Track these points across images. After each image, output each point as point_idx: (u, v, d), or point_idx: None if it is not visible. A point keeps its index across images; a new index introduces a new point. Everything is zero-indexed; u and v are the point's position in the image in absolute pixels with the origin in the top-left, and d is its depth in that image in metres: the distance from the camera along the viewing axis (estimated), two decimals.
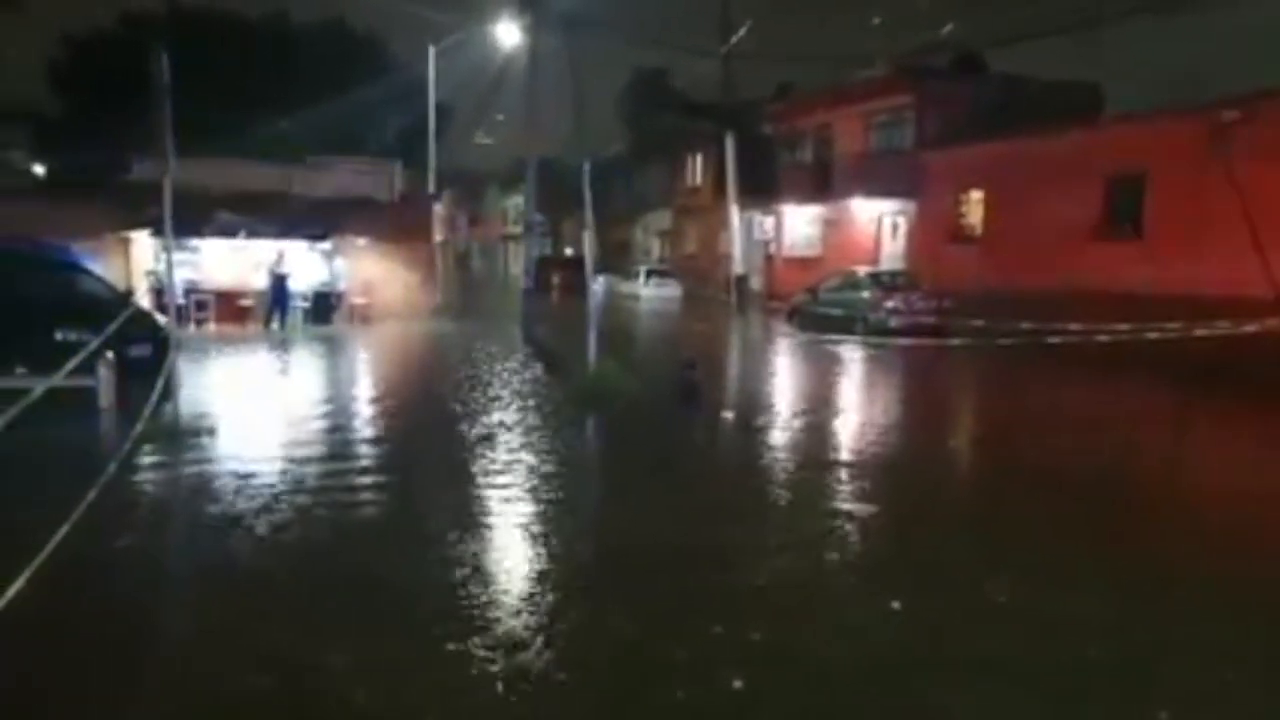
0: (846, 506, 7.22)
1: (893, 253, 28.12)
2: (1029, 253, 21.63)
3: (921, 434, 10.90)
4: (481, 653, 4.39)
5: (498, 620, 4.77)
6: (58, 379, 7.94)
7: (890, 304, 20.48)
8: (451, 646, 4.48)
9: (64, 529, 5.11)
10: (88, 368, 10.15)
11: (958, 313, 18.48)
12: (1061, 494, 7.79)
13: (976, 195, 25.07)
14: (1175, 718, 3.92)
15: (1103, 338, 14.03)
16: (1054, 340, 14.47)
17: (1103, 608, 5.12)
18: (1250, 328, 12.44)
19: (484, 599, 5.07)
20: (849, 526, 6.70)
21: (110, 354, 10.54)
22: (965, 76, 28.10)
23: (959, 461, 9.80)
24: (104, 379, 10.51)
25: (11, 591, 4.17)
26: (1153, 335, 13.43)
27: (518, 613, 4.88)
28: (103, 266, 18.73)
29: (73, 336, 10.50)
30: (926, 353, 16.97)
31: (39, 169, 34.64)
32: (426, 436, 10.00)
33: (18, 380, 9.00)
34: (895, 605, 5.10)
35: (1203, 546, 6.44)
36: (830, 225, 31.20)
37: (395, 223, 24.68)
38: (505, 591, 5.20)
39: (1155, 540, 6.60)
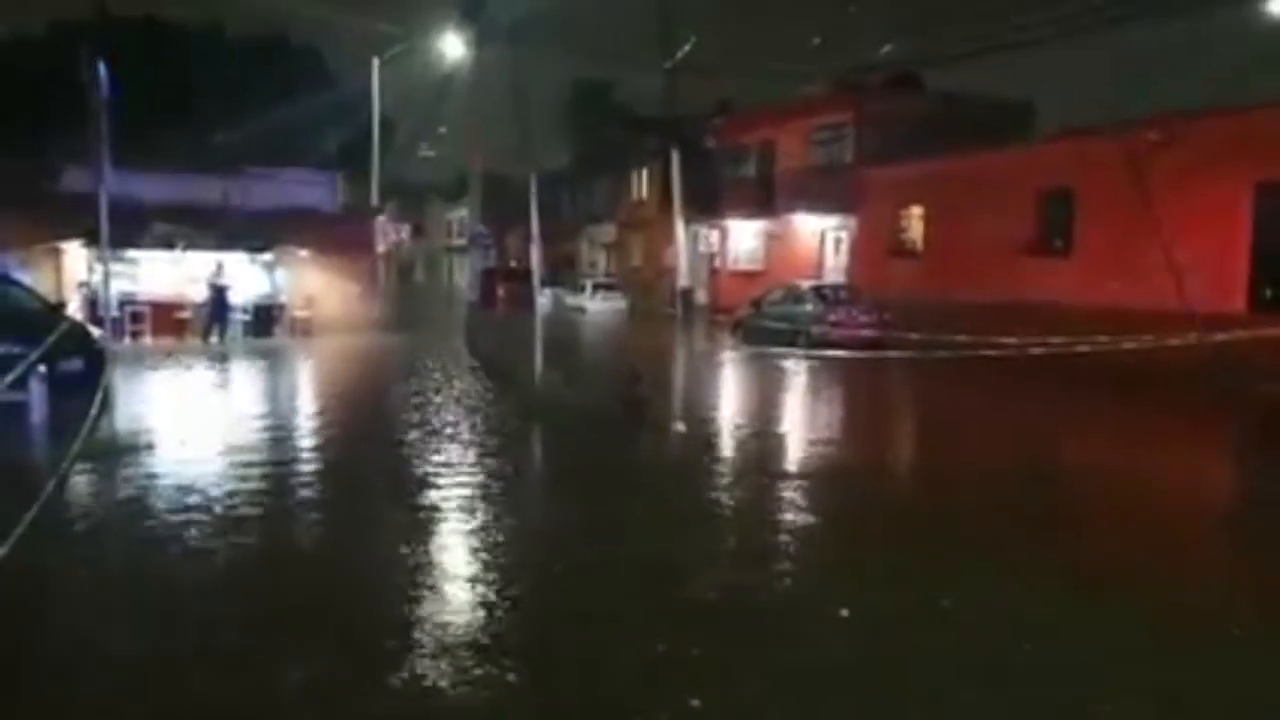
0: (791, 516, 7.35)
1: (835, 266, 28.59)
2: (966, 267, 22.16)
3: (862, 445, 11.12)
4: (420, 678, 4.29)
5: (436, 644, 4.65)
6: None
7: (832, 317, 20.80)
8: (392, 670, 4.44)
9: (2, 549, 4.99)
10: (18, 383, 9.90)
11: (898, 326, 18.86)
12: (994, 500, 8.01)
13: (916, 210, 25.64)
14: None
15: (1036, 350, 14.44)
16: (989, 353, 14.86)
17: (1039, 606, 5.28)
18: (1174, 341, 12.91)
19: (423, 620, 4.96)
20: (795, 536, 6.81)
21: (42, 368, 10.27)
22: (903, 94, 28.71)
23: (897, 471, 10.03)
24: (36, 394, 10.24)
25: None
26: (1083, 349, 13.86)
27: (459, 637, 4.77)
28: (32, 278, 18.26)
29: (3, 350, 10.22)
30: (867, 365, 17.28)
31: None
32: (368, 452, 9.91)
33: None
34: (844, 613, 5.20)
35: (1125, 548, 6.68)
36: (774, 239, 31.61)
37: (337, 235, 24.40)
38: (446, 612, 5.11)
39: (1084, 541, 6.82)
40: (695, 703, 4.06)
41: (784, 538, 6.77)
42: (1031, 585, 5.69)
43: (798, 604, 5.49)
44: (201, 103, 30.22)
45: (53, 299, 15.10)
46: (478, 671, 4.32)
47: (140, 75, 24.75)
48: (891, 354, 17.27)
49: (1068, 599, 5.48)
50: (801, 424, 12.68)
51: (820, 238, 29.43)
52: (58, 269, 21.25)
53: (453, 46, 26.02)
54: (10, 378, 7.74)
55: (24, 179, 23.24)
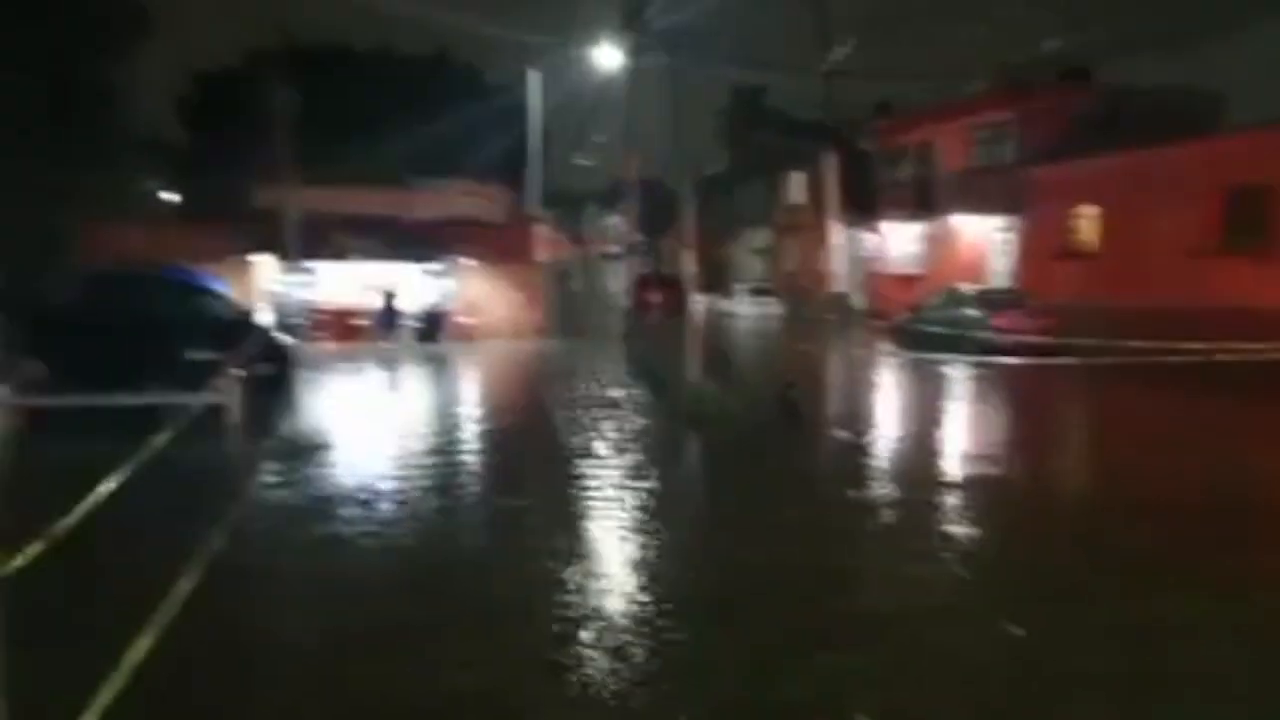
0: (956, 529, 7.11)
1: (999, 269, 27.43)
2: (1144, 268, 20.85)
3: (1029, 456, 10.61)
4: (586, 684, 4.38)
5: (602, 648, 4.75)
6: (200, 397, 8.39)
7: (997, 322, 19.95)
8: (563, 673, 4.57)
9: (210, 536, 5.43)
10: (219, 385, 10.75)
11: (1068, 331, 17.89)
12: (1179, 520, 7.50)
13: (1087, 210, 24.29)
14: None
15: (1223, 357, 13.40)
16: (1170, 360, 13.89)
17: (1231, 632, 4.93)
18: None
19: (589, 624, 5.07)
20: (960, 549, 6.60)
21: (238, 372, 11.10)
22: (1071, 89, 27.26)
23: (1067, 484, 9.51)
24: (233, 396, 11.06)
25: (181, 592, 4.47)
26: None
27: (624, 643, 4.86)
28: (228, 288, 19.79)
29: (202, 355, 11.10)
30: (1034, 372, 16.49)
31: (172, 197, 36.77)
32: (532, 454, 10.23)
33: (152, 398, 9.58)
34: (1016, 631, 5.00)
35: None
36: (933, 242, 30.63)
37: (500, 244, 25.30)
38: (612, 616, 5.21)
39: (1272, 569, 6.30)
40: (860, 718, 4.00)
41: (949, 551, 6.56)
42: (1211, 606, 5.31)
43: (965, 619, 5.31)
44: (374, 120, 31.94)
45: (245, 307, 16.32)
46: (641, 684, 4.38)
47: (321, 98, 26.45)
48: (1061, 360, 16.40)
49: (1245, 622, 5.08)
50: (965, 433, 12.23)
51: (983, 240, 28.31)
52: (249, 279, 22.92)
53: (609, 56, 26.54)
54: (214, 380, 8.39)
55: (222, 197, 25.31)
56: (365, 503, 7.61)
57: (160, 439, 4.75)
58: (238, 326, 12.81)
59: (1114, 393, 15.03)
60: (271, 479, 8.42)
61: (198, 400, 9.55)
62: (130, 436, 5.63)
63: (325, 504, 7.67)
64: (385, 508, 7.47)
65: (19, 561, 2.99)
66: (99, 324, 12.49)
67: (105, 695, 3.34)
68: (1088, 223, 24.41)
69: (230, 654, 4.65)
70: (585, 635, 4.85)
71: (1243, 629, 5.07)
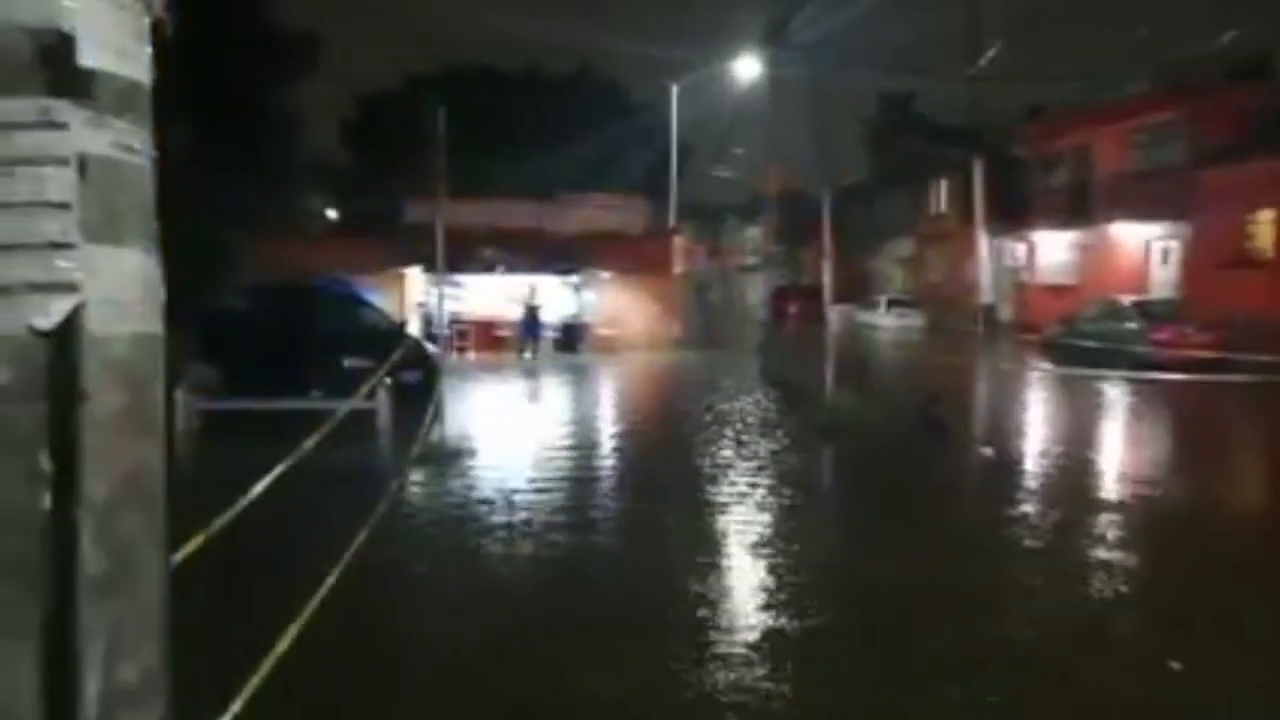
0: (1106, 554, 6.75)
1: (1162, 280, 25.85)
2: None
3: (1189, 480, 9.89)
4: (711, 698, 4.36)
5: (731, 664, 4.70)
6: (355, 403, 8.84)
7: (1159, 335, 18.77)
8: (689, 687, 4.59)
9: (361, 537, 5.73)
10: (370, 392, 11.33)
11: (1240, 345, 16.66)
12: None
13: (1266, 215, 22.60)
14: None
15: None
16: None
17: None
18: None
19: (721, 639, 5.03)
20: (1111, 576, 6.26)
21: (389, 380, 11.66)
22: (1247, 85, 25.43)
23: (1230, 511, 8.85)
24: (383, 403, 11.64)
25: (324, 590, 4.73)
26: None
27: (754, 660, 4.79)
28: (381, 299, 20.82)
29: (358, 364, 11.71)
30: (1202, 390, 15.45)
31: (333, 214, 39.01)
32: (668, 464, 10.32)
33: (313, 403, 10.18)
34: (1174, 665, 4.72)
35: None
36: (1088, 251, 29.16)
37: (639, 256, 25.63)
38: (744, 633, 5.14)
39: None
40: None
41: (1099, 577, 6.23)
42: None
43: (1110, 650, 5.04)
44: (520, 137, 32.96)
45: (397, 318, 17.11)
46: (768, 705, 4.34)
47: (470, 117, 27.50)
48: (1232, 378, 15.29)
49: None
50: (1120, 454, 11.60)
51: (1144, 249, 26.74)
52: (401, 291, 24.00)
53: (750, 68, 26.55)
54: (368, 386, 8.83)
55: (377, 214, 26.65)
56: (506, 508, 7.86)
57: (311, 442, 5.03)
58: (389, 336, 13.45)
59: None
60: (418, 482, 8.80)
61: (353, 406, 10.11)
62: (293, 440, 6.00)
63: (467, 508, 7.97)
64: (525, 514, 7.69)
65: (177, 557, 3.24)
66: (265, 333, 13.37)
67: (248, 689, 3.57)
68: (1264, 229, 22.72)
69: (368, 651, 4.88)
70: (715, 650, 4.85)
71: None
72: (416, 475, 8.94)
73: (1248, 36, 24.96)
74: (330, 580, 4.54)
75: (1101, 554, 6.73)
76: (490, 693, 4.43)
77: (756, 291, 41.84)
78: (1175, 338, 18.52)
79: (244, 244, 20.80)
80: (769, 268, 29.51)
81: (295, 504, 6.63)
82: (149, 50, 1.14)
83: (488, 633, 5.19)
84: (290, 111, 26.43)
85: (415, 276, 23.61)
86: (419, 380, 12.63)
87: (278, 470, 4.79)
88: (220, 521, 3.52)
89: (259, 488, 4.46)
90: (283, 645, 3.73)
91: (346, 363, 12.46)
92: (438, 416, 10.47)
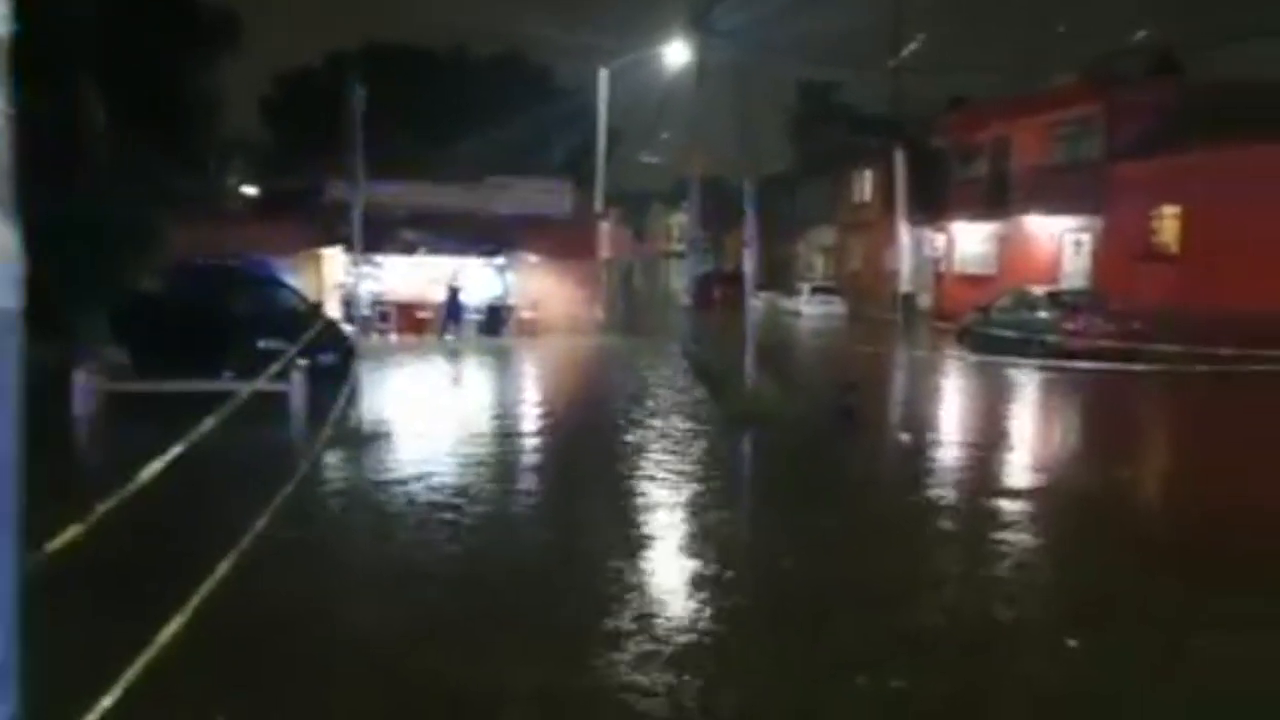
0: (1015, 538, 6.90)
1: (1075, 271, 26.68)
2: (1234, 271, 20.05)
3: (1097, 466, 10.19)
4: (625, 688, 4.28)
5: (642, 655, 4.62)
6: (262, 384, 8.57)
7: (1070, 325, 19.36)
8: (599, 672, 4.56)
9: (261, 521, 5.54)
10: (282, 374, 11.00)
11: (1148, 336, 17.28)
12: (1244, 532, 7.18)
13: (1171, 209, 23.48)
14: None
15: None
16: (1263, 368, 13.29)
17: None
18: None
19: (633, 629, 4.92)
20: (1019, 560, 6.41)
21: (302, 361, 11.36)
22: (1160, 82, 26.28)
23: (1136, 497, 9.16)
24: (298, 384, 11.33)
25: (220, 571, 4.55)
26: None
27: (661, 648, 4.72)
28: (298, 280, 20.28)
29: (273, 345, 11.39)
30: (1111, 379, 15.96)
31: (252, 193, 37.91)
32: (586, 449, 10.26)
33: (225, 384, 9.85)
34: (1071, 643, 4.85)
35: None
36: (1005, 242, 29.94)
37: (564, 240, 25.45)
38: (654, 621, 5.06)
39: None
40: None
41: (1007, 561, 6.37)
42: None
43: (1013, 631, 5.15)
44: (447, 119, 32.38)
45: (313, 299, 16.69)
46: (677, 691, 4.31)
47: (396, 98, 26.88)
48: (1140, 367, 15.85)
49: None
50: (1031, 440, 11.92)
51: (1058, 240, 27.57)
52: (319, 272, 23.43)
53: (677, 54, 26.47)
54: (277, 367, 8.55)
55: (297, 193, 25.95)
56: (419, 491, 7.70)
57: (210, 424, 4.84)
58: (306, 317, 13.11)
59: (1190, 401, 14.49)
60: (330, 465, 8.58)
61: (264, 387, 9.81)
62: (201, 422, 5.81)
63: (378, 491, 7.79)
64: (439, 497, 7.55)
65: (52, 546, 3.06)
66: (178, 315, 12.94)
67: (126, 678, 3.40)
68: (1170, 223, 23.60)
69: (264, 635, 4.72)
70: (626, 639, 4.78)
71: None
72: (329, 458, 8.71)
73: (1164, 34, 25.79)
74: (224, 567, 4.37)
75: (1010, 538, 6.88)
76: (399, 679, 4.32)
77: (681, 277, 42.02)
78: (1086, 327, 19.12)
79: (160, 224, 20.10)
80: (694, 254, 29.52)
81: (196, 488, 6.43)
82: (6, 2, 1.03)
83: (395, 617, 5.07)
84: (210, 89, 25.56)
85: (335, 257, 23.04)
86: (335, 362, 12.36)
87: (173, 453, 4.59)
88: (103, 509, 3.34)
89: (151, 471, 4.27)
90: (165, 635, 3.56)
91: (261, 344, 12.11)
92: (353, 399, 10.23)
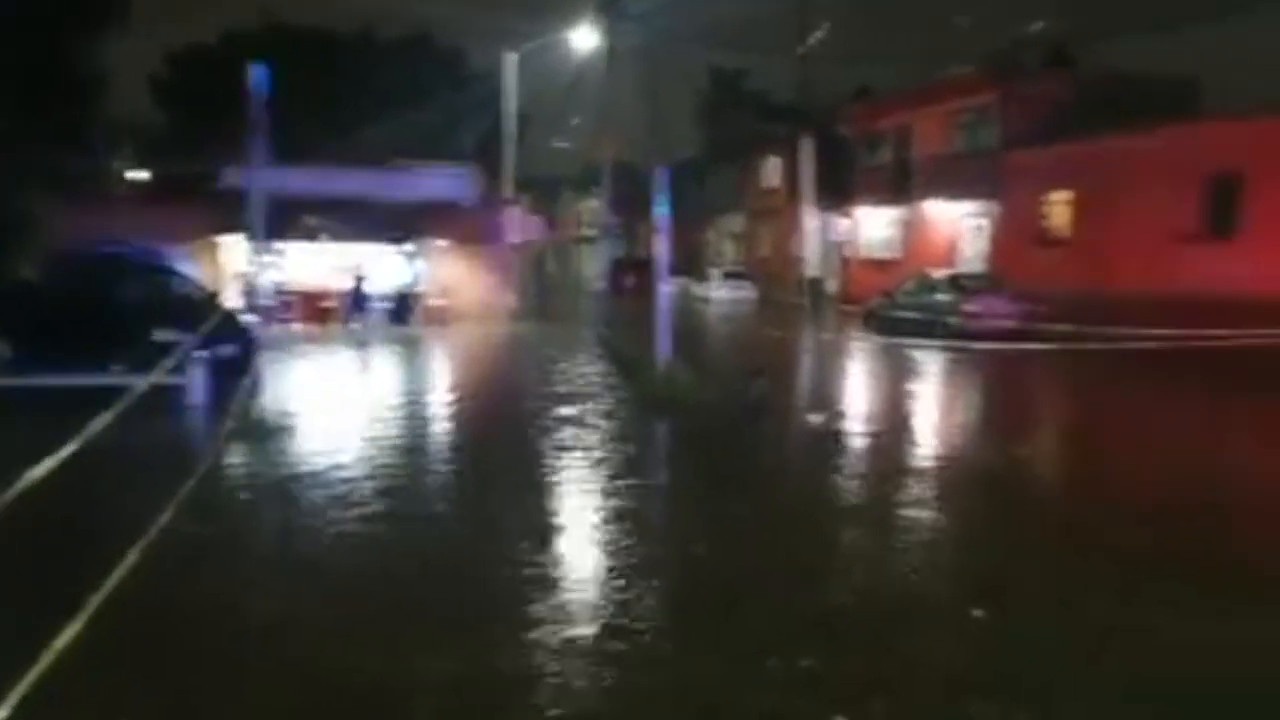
0: (922, 515, 7.10)
1: (974, 255, 27.54)
2: (1118, 255, 20.99)
3: (999, 442, 10.59)
4: (536, 681, 4.24)
5: (554, 645, 4.58)
6: (155, 378, 8.23)
7: (970, 308, 20.02)
8: (508, 668, 4.51)
9: (165, 516, 5.33)
10: (178, 366, 10.59)
11: (1043, 317, 17.98)
12: (1137, 503, 7.54)
13: (1063, 195, 24.41)
14: None
15: (1195, 343, 13.49)
16: (1144, 346, 13.96)
17: (1167, 615, 4.94)
18: None
19: (545, 619, 4.87)
20: (926, 537, 6.59)
21: (200, 354, 10.95)
22: (1054, 74, 27.28)
23: (1035, 470, 9.53)
24: (196, 378, 10.93)
25: (120, 573, 4.36)
26: (1250, 341, 12.87)
27: (574, 638, 4.70)
28: (196, 269, 19.52)
29: (168, 337, 10.93)
30: (1009, 358, 16.56)
31: (143, 176, 36.24)
32: (497, 438, 10.15)
33: (116, 378, 9.41)
34: (976, 614, 5.00)
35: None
36: (908, 227, 30.71)
37: (473, 226, 25.10)
38: (567, 611, 5.03)
39: (1242, 562, 6.33)
40: None
41: (915, 538, 6.55)
42: (1160, 592, 5.35)
43: (921, 606, 5.29)
44: (352, 102, 31.55)
45: (212, 289, 16.08)
46: (588, 684, 4.30)
47: (299, 80, 26.02)
48: (1034, 346, 16.47)
49: (1203, 609, 5.10)
50: (936, 420, 12.26)
51: (958, 226, 28.41)
52: (216, 260, 22.62)
53: (587, 39, 26.33)
54: (171, 361, 8.23)
55: (193, 178, 24.94)
56: (326, 483, 7.50)
57: (101, 421, 4.62)
58: (203, 307, 12.62)
59: (1082, 379, 15.13)
60: (229, 460, 8.29)
61: (158, 380, 9.42)
62: (93, 417, 5.54)
63: (285, 483, 7.56)
64: (346, 489, 7.36)
65: None
66: (65, 305, 12.30)
67: (21, 687, 3.23)
68: (1061, 208, 24.54)
69: (164, 635, 4.54)
70: (538, 631, 4.73)
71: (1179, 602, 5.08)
72: (232, 452, 8.42)
73: (1058, 27, 26.68)
74: (128, 563, 4.18)
75: (917, 515, 7.08)
76: (308, 675, 4.20)
77: (594, 264, 41.96)
78: (984, 309, 19.79)
79: (44, 211, 19.13)
80: (606, 240, 29.54)
81: (89, 487, 6.15)
82: None
83: (302, 609, 4.93)
84: (96, 66, 24.34)
85: (234, 245, 22.27)
86: (236, 354, 11.93)
87: (66, 451, 4.38)
88: None
89: (43, 469, 4.06)
90: (65, 639, 3.40)
91: (156, 336, 11.60)
92: (256, 391, 9.90)
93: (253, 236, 11.38)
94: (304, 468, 8.09)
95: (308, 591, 5.31)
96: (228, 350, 11.82)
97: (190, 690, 4.06)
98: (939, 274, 22.79)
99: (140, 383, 6.34)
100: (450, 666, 4.29)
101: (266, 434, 9.20)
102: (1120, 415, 12.40)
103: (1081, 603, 5.22)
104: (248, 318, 13.67)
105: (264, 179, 10.61)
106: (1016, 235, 25.51)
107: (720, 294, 35.85)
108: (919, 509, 7.24)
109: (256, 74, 10.21)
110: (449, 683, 4.16)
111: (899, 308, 21.69)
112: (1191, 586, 5.47)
